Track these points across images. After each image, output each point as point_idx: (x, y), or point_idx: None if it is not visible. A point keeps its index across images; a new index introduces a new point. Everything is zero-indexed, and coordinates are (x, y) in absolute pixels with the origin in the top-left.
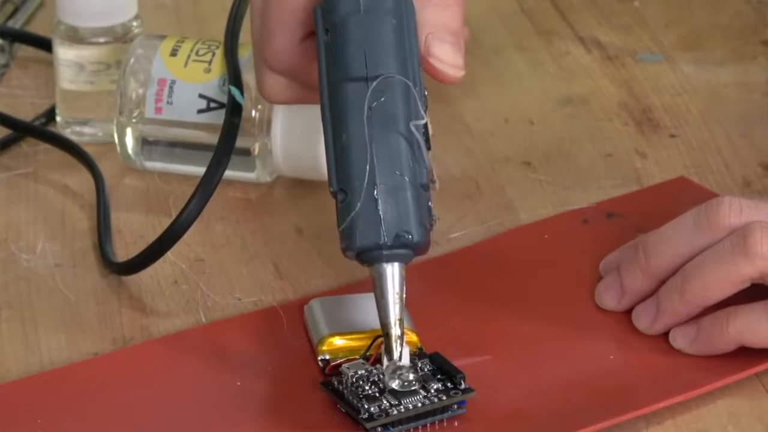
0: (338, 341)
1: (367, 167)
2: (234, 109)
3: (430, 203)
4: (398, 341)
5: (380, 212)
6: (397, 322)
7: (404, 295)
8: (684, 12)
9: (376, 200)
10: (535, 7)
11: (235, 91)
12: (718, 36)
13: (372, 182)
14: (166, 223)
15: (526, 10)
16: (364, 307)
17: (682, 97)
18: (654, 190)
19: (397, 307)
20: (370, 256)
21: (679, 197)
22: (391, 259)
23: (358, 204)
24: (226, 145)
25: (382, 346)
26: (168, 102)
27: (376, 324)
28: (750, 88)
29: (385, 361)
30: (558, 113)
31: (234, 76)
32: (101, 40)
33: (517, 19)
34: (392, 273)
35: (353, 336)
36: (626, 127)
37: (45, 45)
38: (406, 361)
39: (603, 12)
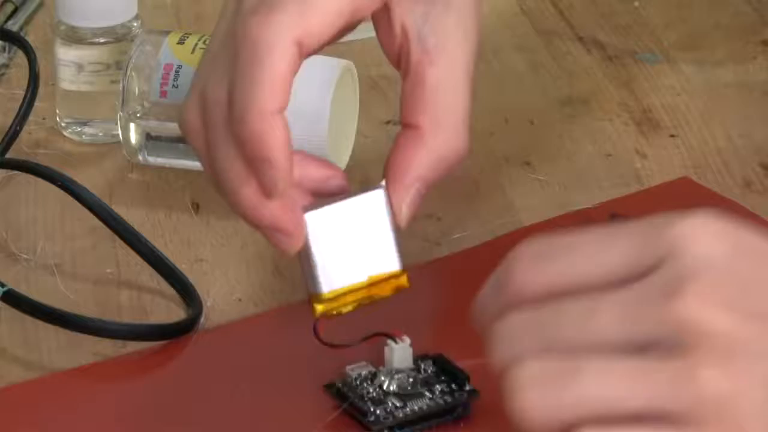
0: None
1: None
2: None
3: None
4: None
5: None
6: None
7: None
8: (684, 12)
9: None
10: (535, 7)
11: None
12: (718, 36)
13: None
14: (166, 219)
15: (526, 10)
16: (362, 234)
17: (682, 97)
18: (657, 191)
19: None
20: None
21: (682, 198)
22: None
23: None
24: None
25: (386, 348)
26: (173, 86)
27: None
28: (750, 88)
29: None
30: (558, 113)
31: None
32: (101, 40)
33: (517, 19)
34: None
35: (349, 289)
36: (626, 127)
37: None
38: (407, 364)
39: (603, 12)
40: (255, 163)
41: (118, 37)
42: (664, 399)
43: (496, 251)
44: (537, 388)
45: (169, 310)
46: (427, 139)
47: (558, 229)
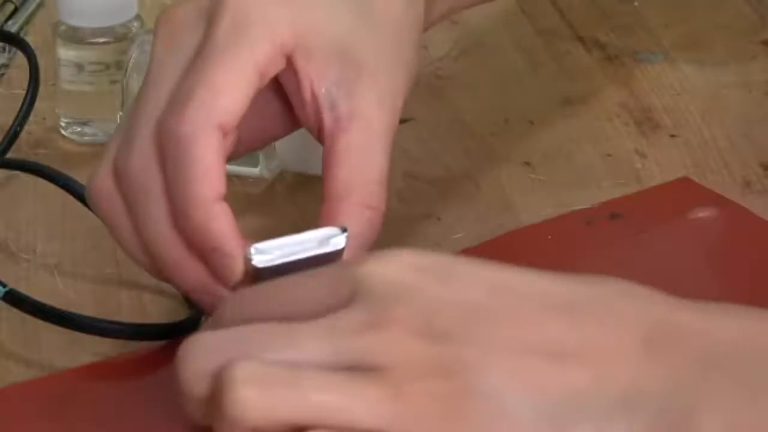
0: None
1: None
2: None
3: None
4: None
5: None
6: None
7: None
8: (684, 12)
9: None
10: (535, 7)
11: None
12: (718, 36)
13: None
14: None
15: (526, 10)
16: None
17: (682, 97)
18: (657, 191)
19: None
20: None
21: (682, 198)
22: None
23: None
24: None
25: None
26: None
27: None
28: (750, 88)
29: None
30: (558, 113)
31: None
32: (101, 40)
33: (517, 19)
34: None
35: None
36: (626, 127)
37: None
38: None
39: (603, 12)
40: (205, 252)
41: (118, 37)
42: (378, 418)
43: (496, 251)
44: (256, 385)
45: (169, 310)
46: (342, 206)
47: (558, 229)
